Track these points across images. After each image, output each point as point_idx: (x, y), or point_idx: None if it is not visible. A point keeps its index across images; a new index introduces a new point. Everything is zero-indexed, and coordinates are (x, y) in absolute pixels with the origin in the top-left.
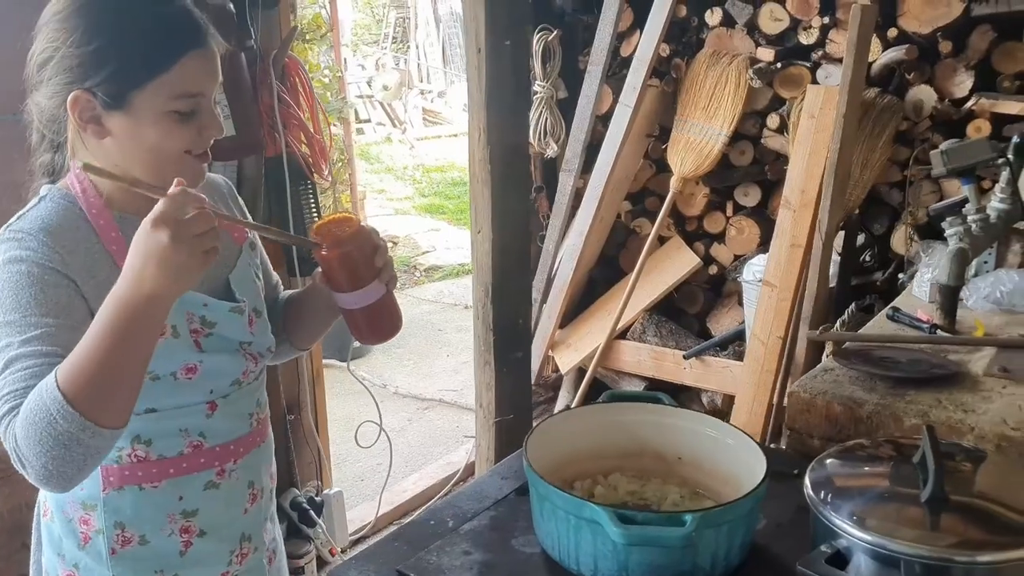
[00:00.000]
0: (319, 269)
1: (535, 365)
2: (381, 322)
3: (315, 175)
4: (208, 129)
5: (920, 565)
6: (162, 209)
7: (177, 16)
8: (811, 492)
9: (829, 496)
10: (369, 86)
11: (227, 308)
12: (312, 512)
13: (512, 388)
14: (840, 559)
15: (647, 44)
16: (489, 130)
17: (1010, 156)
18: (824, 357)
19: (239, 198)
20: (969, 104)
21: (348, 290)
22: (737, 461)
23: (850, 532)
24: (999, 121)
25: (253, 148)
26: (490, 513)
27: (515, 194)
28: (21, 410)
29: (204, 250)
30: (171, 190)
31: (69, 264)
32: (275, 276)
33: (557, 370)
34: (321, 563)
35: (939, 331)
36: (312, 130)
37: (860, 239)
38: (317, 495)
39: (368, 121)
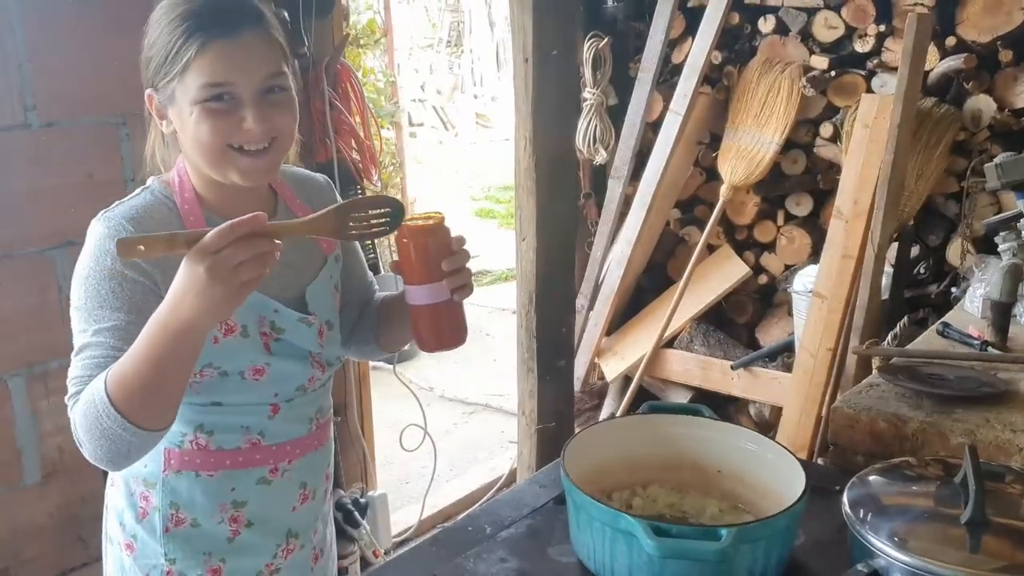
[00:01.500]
0: (395, 258)
1: (581, 372)
2: (440, 326)
3: (365, 180)
4: (248, 122)
5: None
6: (205, 242)
7: (205, 7)
8: (849, 510)
9: (868, 515)
10: (422, 90)
11: (296, 318)
12: (357, 514)
13: (554, 396)
14: None
15: (699, 51)
16: (535, 139)
17: None
18: (874, 372)
19: (339, 199)
20: None
21: (415, 282)
22: (777, 476)
23: (887, 552)
24: None
25: (305, 154)
26: (527, 521)
27: (561, 202)
28: (81, 397)
29: (241, 282)
30: (222, 225)
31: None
32: (371, 277)
33: (603, 378)
34: (365, 564)
35: (990, 348)
36: (363, 136)
37: (915, 251)
38: (362, 497)
39: (421, 125)
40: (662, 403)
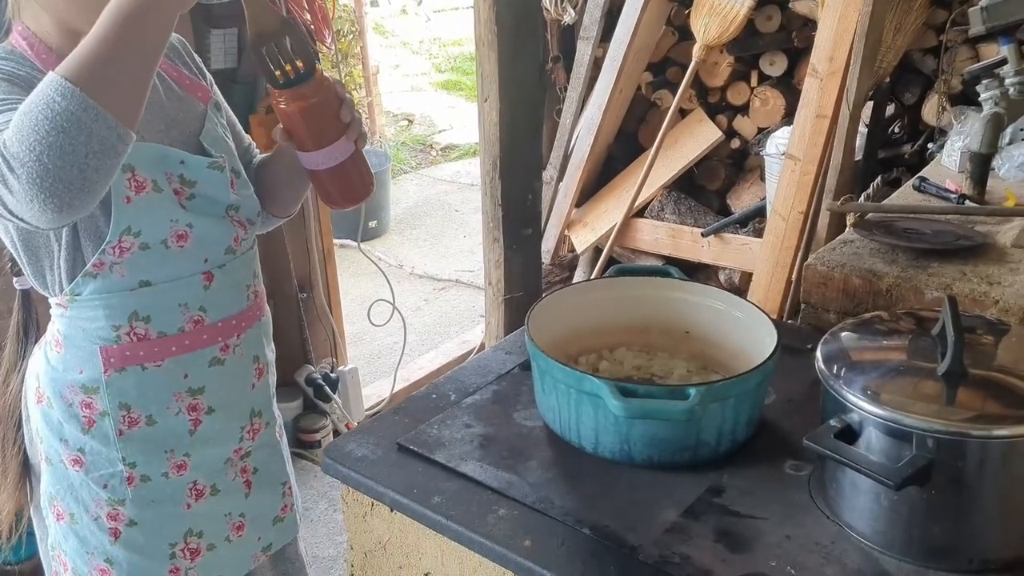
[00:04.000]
0: (280, 125)
1: (551, 244)
2: (350, 183)
3: (318, 43)
4: None
5: (933, 440)
6: None
7: None
8: (822, 365)
9: (841, 369)
10: None
11: (205, 164)
12: (327, 388)
13: (522, 265)
14: (850, 434)
15: None
16: None
17: None
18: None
19: (196, 57)
20: None
21: (312, 148)
22: (747, 335)
23: (861, 406)
24: None
25: None
26: (493, 387)
27: (525, 60)
28: (12, 120)
29: None
30: None
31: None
32: (247, 138)
33: (573, 250)
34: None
35: (968, 201)
36: None
37: (890, 109)
38: (332, 371)
39: None
40: (629, 265)
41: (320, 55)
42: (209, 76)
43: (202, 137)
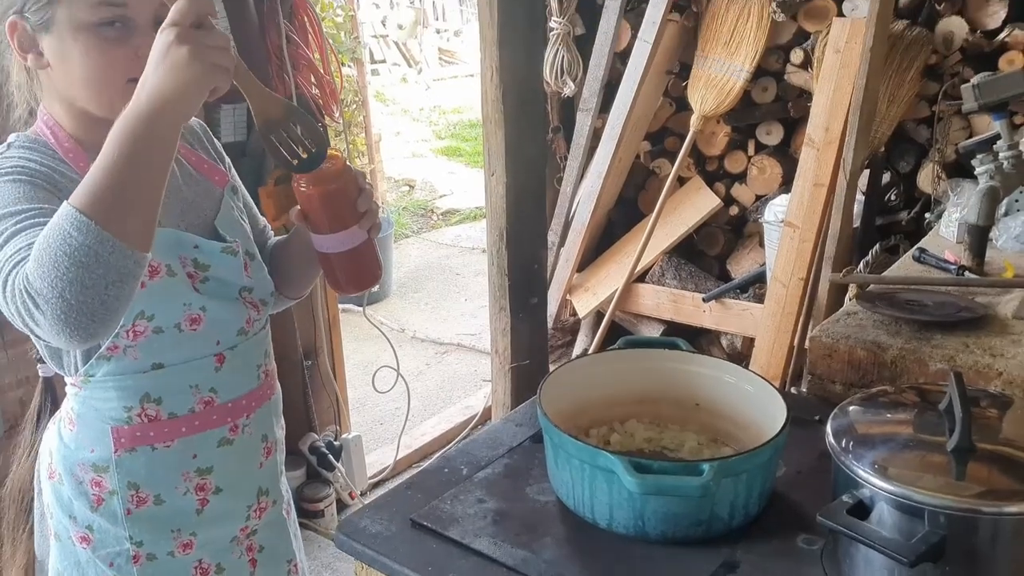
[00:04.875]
0: (297, 207)
1: (553, 309)
2: (359, 270)
3: (326, 117)
4: (145, 48)
5: (945, 516)
6: (175, 15)
7: None
8: (833, 440)
9: (851, 444)
10: (383, 25)
11: (219, 248)
12: (331, 456)
13: (528, 334)
14: (862, 509)
15: None
16: (502, 69)
17: None
18: (847, 300)
19: (216, 141)
20: (1002, 36)
21: (326, 232)
22: (757, 407)
23: (873, 482)
24: None
25: None
26: (504, 461)
27: (530, 135)
28: (32, 252)
29: (212, 62)
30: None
31: (56, 183)
32: (262, 220)
33: (575, 314)
34: (341, 506)
35: (967, 272)
36: (322, 71)
37: (886, 178)
38: (336, 439)
39: (383, 61)
40: (638, 337)
41: (328, 128)
42: (227, 160)
43: (217, 221)
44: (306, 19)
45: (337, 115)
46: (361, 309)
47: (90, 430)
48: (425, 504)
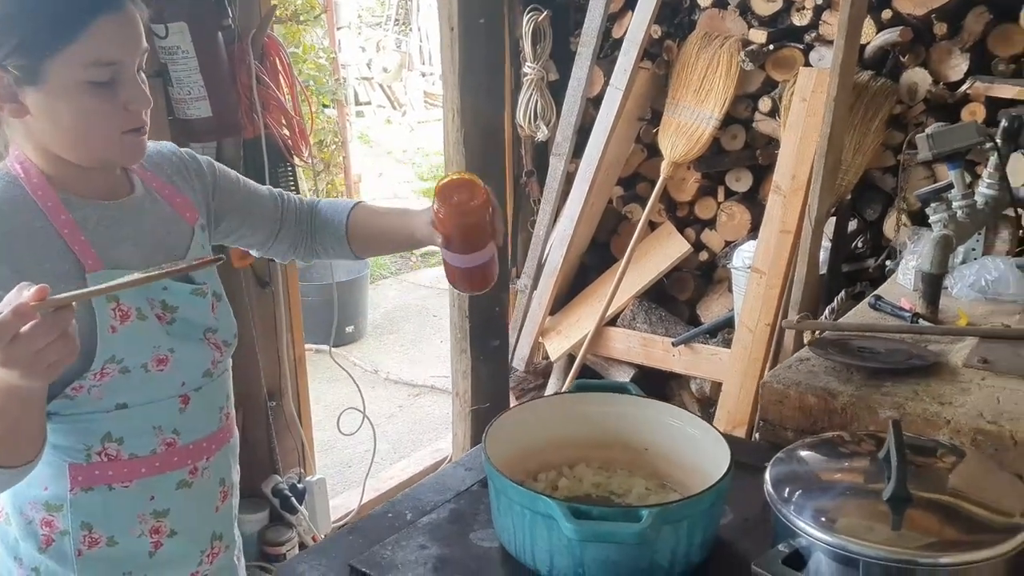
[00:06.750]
0: (432, 223)
1: (525, 352)
2: (482, 278)
3: (296, 157)
4: (134, 102)
5: (880, 567)
6: None
7: None
8: (771, 488)
9: (789, 492)
10: (369, 68)
11: (188, 290)
12: (294, 499)
13: (489, 376)
14: (799, 559)
15: (638, 25)
16: (463, 112)
17: (998, 140)
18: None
19: (214, 168)
20: (964, 88)
21: (461, 253)
22: (703, 453)
23: (808, 531)
24: (994, 105)
25: (231, 130)
26: (450, 506)
27: (492, 178)
28: None
29: (48, 364)
30: (4, 313)
31: (12, 248)
32: (266, 190)
33: (547, 357)
34: (304, 550)
35: (921, 320)
36: (292, 112)
37: (852, 225)
38: (299, 482)
39: (368, 104)
40: (589, 381)
41: (303, 168)
42: (209, 179)
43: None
44: (277, 60)
45: (307, 154)
46: (329, 350)
47: (46, 467)
48: (366, 549)
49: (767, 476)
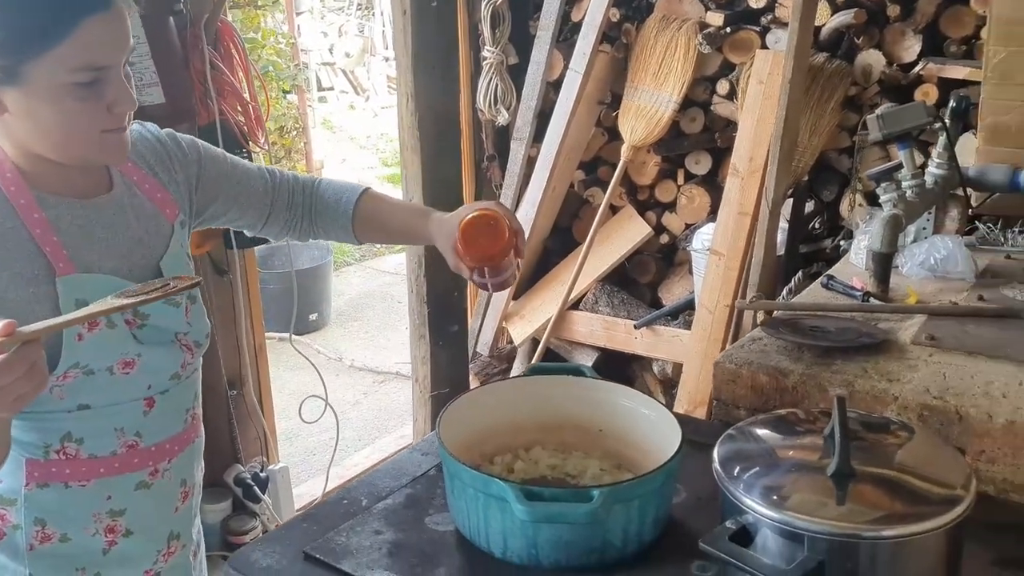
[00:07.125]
0: (456, 248)
1: (489, 337)
2: (498, 284)
3: (251, 143)
4: (119, 104)
5: (824, 541)
6: None
7: None
8: (718, 466)
9: (736, 470)
10: (331, 53)
11: (162, 300)
12: (256, 488)
13: (448, 362)
14: (746, 535)
15: (596, 8)
16: (417, 95)
17: (947, 120)
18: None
19: (200, 153)
20: (917, 69)
21: (480, 277)
22: (656, 433)
23: (753, 507)
24: (947, 86)
25: (185, 116)
26: (406, 491)
27: (447, 161)
28: None
29: (15, 398)
30: None
31: None
32: (257, 169)
33: (511, 341)
34: (257, 538)
35: (871, 299)
36: (248, 98)
37: (809, 206)
38: (262, 471)
39: (331, 89)
40: (543, 364)
41: (260, 154)
42: (181, 187)
43: (163, 262)
44: (231, 45)
45: (263, 141)
46: (289, 338)
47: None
48: (320, 536)
49: (715, 453)
